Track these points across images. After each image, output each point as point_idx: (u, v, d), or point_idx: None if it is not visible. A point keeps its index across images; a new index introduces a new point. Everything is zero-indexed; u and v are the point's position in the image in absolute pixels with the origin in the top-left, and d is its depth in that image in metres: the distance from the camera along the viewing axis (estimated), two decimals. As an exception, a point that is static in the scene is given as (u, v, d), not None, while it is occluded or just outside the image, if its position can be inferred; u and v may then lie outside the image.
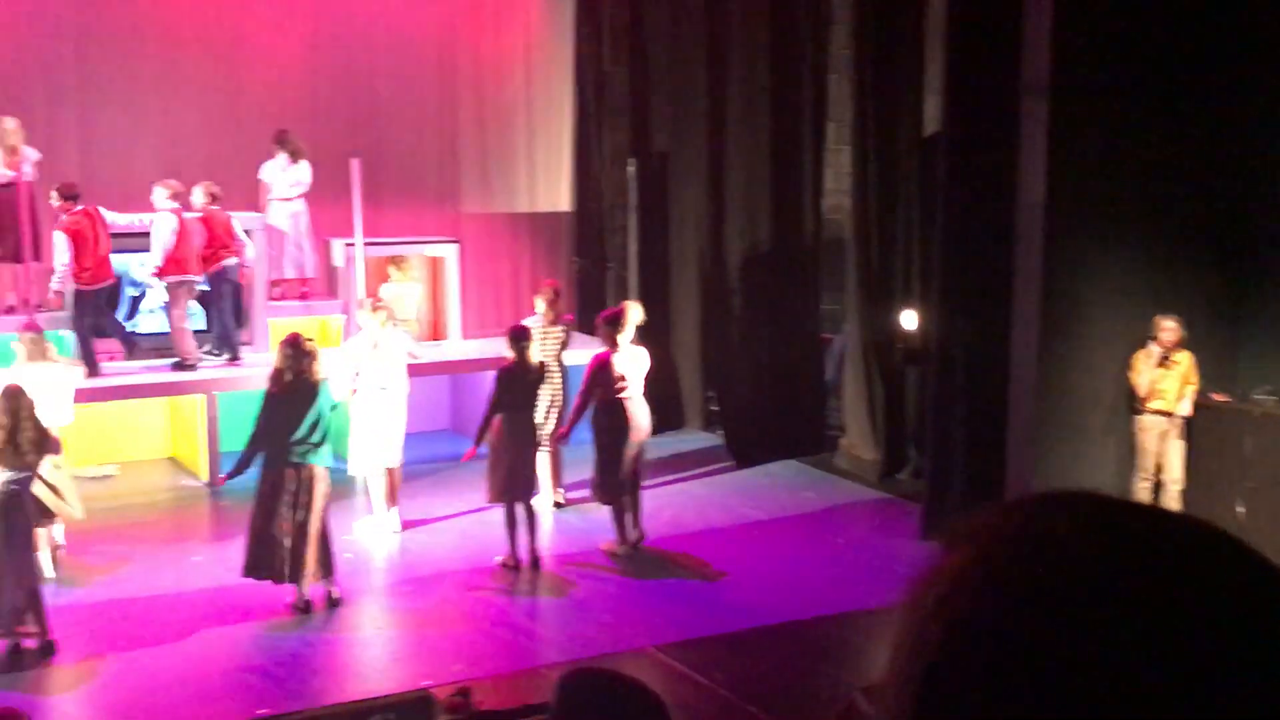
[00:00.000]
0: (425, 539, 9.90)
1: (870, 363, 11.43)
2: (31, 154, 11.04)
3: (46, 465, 7.88)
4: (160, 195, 10.84)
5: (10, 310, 10.97)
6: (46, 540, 8.53)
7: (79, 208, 10.47)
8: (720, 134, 12.51)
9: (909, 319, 11.11)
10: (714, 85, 12.46)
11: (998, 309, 9.52)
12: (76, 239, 10.38)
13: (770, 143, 12.17)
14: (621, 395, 9.33)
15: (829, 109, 12.23)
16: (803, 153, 12.20)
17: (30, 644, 7.61)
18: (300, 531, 8.18)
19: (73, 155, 11.77)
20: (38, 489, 7.69)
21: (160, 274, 10.93)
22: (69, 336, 10.48)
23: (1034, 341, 9.41)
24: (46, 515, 8.04)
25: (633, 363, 9.41)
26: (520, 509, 9.20)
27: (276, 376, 8.33)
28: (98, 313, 10.75)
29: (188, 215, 10.95)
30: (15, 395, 7.55)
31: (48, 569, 8.43)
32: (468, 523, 10.15)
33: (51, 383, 8.70)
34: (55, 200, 10.51)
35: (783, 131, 12.15)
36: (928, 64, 10.78)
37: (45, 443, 7.59)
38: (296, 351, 8.29)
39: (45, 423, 7.72)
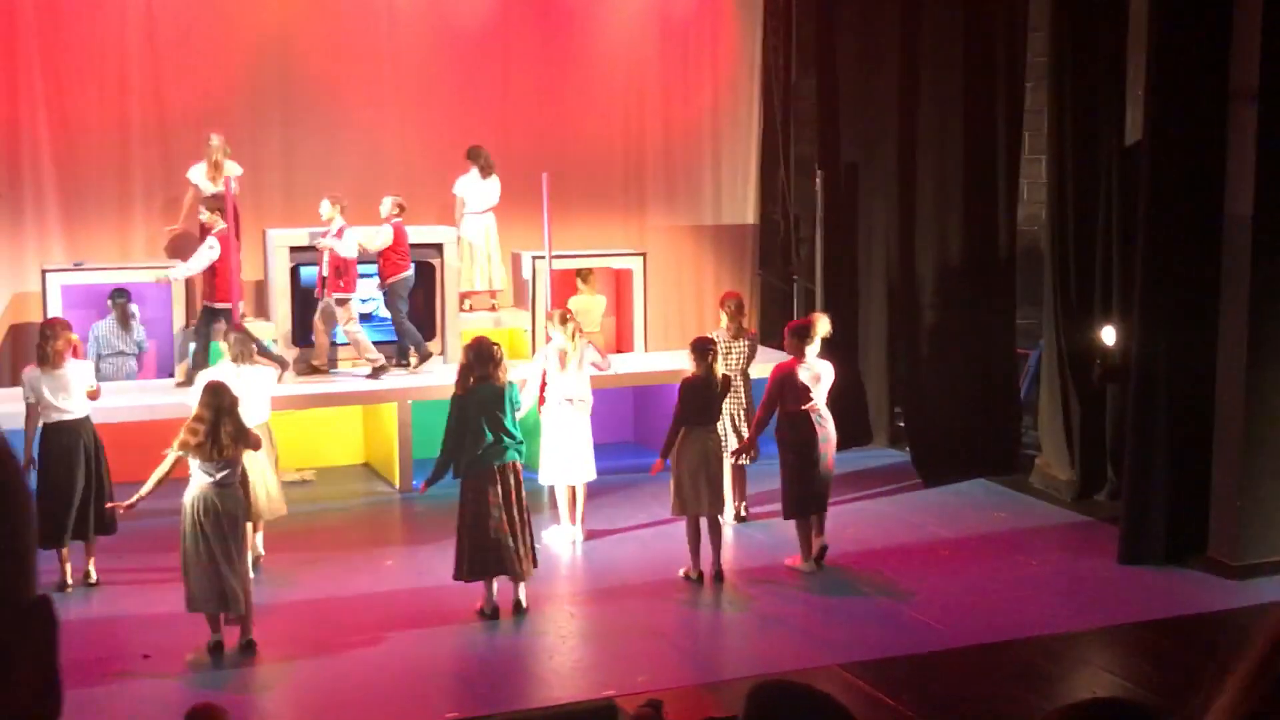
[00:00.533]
0: (608, 549, 9.94)
1: (1067, 380, 11.04)
2: (235, 169, 11.46)
3: (250, 462, 8.18)
4: (332, 210, 10.98)
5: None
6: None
7: (222, 226, 10.71)
8: (910, 144, 12.27)
9: (1108, 334, 10.72)
10: (905, 94, 12.23)
11: (1202, 325, 9.14)
12: (224, 249, 10.68)
13: (963, 153, 11.89)
14: (806, 408, 9.22)
15: (1025, 118, 11.89)
16: (997, 163, 11.87)
17: (230, 642, 7.86)
18: (518, 528, 8.34)
19: (275, 170, 12.21)
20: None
21: (342, 289, 11.10)
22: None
23: (1241, 359, 9.01)
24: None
25: (818, 375, 9.29)
26: (704, 522, 9.17)
27: (462, 380, 8.48)
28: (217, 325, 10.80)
29: (364, 229, 11.17)
30: (218, 391, 7.80)
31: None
32: (650, 534, 10.16)
33: (254, 382, 9.01)
34: (204, 215, 10.85)
35: (976, 141, 11.85)
36: (1129, 70, 10.40)
37: (244, 438, 7.82)
38: (481, 355, 8.44)
39: (245, 420, 7.94)
